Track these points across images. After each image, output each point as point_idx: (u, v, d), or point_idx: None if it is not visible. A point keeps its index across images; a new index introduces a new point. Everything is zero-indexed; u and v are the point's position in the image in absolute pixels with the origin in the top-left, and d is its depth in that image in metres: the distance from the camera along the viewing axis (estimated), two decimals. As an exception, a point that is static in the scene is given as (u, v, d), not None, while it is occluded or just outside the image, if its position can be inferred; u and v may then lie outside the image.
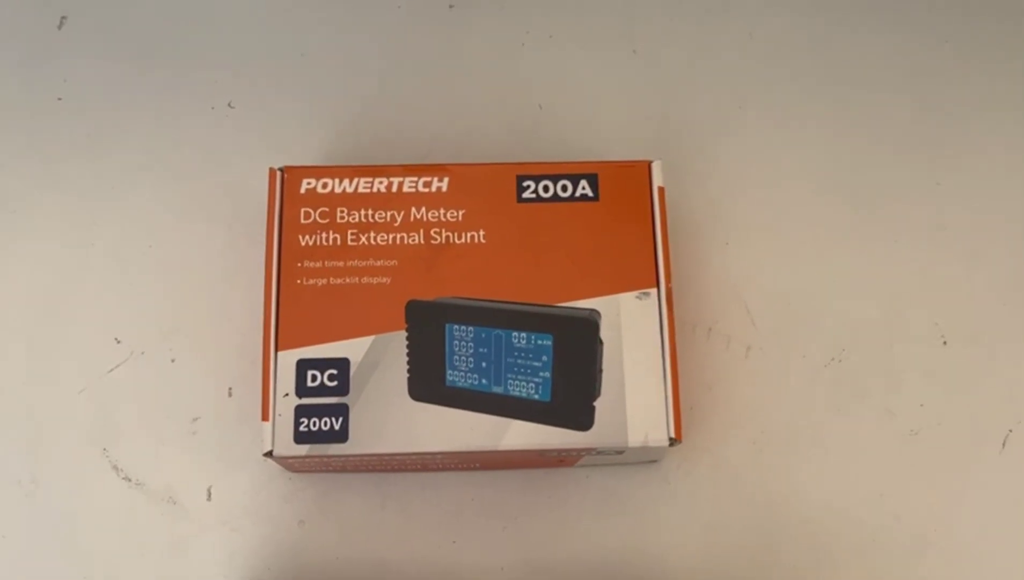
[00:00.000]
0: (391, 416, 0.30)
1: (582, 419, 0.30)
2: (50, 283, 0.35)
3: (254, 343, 0.32)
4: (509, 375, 0.30)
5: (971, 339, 0.35)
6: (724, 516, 0.32)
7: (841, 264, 0.35)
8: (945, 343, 0.35)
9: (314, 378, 0.30)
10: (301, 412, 0.30)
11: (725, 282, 0.35)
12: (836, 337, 0.35)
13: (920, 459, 0.33)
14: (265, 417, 0.30)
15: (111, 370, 0.34)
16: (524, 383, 0.30)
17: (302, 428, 0.30)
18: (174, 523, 0.32)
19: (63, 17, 0.38)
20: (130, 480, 0.33)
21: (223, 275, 0.35)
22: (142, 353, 0.34)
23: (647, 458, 0.33)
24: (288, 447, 0.30)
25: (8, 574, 0.32)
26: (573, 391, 0.30)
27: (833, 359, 0.34)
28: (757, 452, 0.33)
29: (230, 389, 0.34)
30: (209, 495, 0.33)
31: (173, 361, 0.34)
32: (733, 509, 0.33)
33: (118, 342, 0.34)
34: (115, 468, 0.33)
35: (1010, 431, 0.34)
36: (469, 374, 0.31)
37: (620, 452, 0.31)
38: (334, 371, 0.30)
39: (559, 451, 0.30)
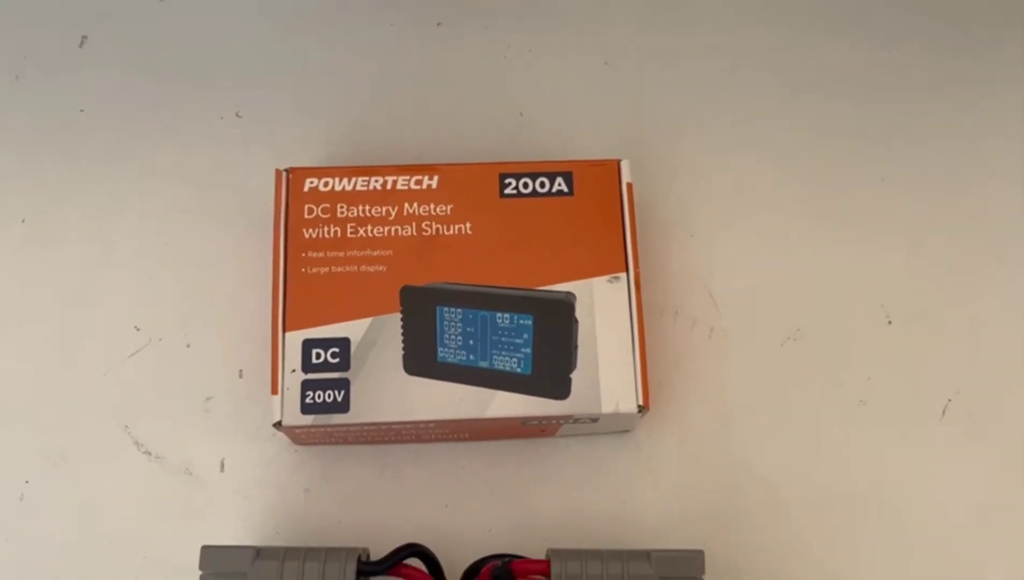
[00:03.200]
0: (388, 389, 0.33)
1: (560, 389, 0.33)
2: (76, 278, 0.38)
3: (261, 329, 0.36)
4: (494, 351, 0.34)
5: (913, 319, 0.38)
6: (691, 480, 0.36)
7: (796, 253, 0.39)
8: (890, 323, 0.38)
9: (318, 355, 0.34)
10: (307, 386, 0.33)
11: (690, 270, 0.39)
12: (791, 318, 0.38)
13: (868, 427, 0.37)
14: (274, 391, 0.33)
15: (131, 355, 0.37)
16: (508, 358, 0.34)
17: (308, 400, 0.33)
18: (191, 492, 0.36)
19: (84, 37, 0.42)
20: (150, 454, 0.36)
21: (233, 268, 0.38)
22: (160, 339, 0.37)
23: (620, 427, 0.36)
24: (295, 417, 0.33)
25: (38, 539, 0.35)
26: (552, 364, 0.33)
27: (789, 338, 0.38)
28: (720, 423, 0.37)
29: (240, 371, 0.37)
30: (222, 467, 0.36)
31: (188, 346, 0.37)
32: (699, 473, 0.36)
33: (137, 330, 0.37)
34: (136, 443, 0.36)
35: (949, 401, 0.37)
36: (458, 351, 0.34)
37: (595, 420, 0.34)
38: (336, 349, 0.34)
39: (540, 419, 0.34)
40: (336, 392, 0.33)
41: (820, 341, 0.38)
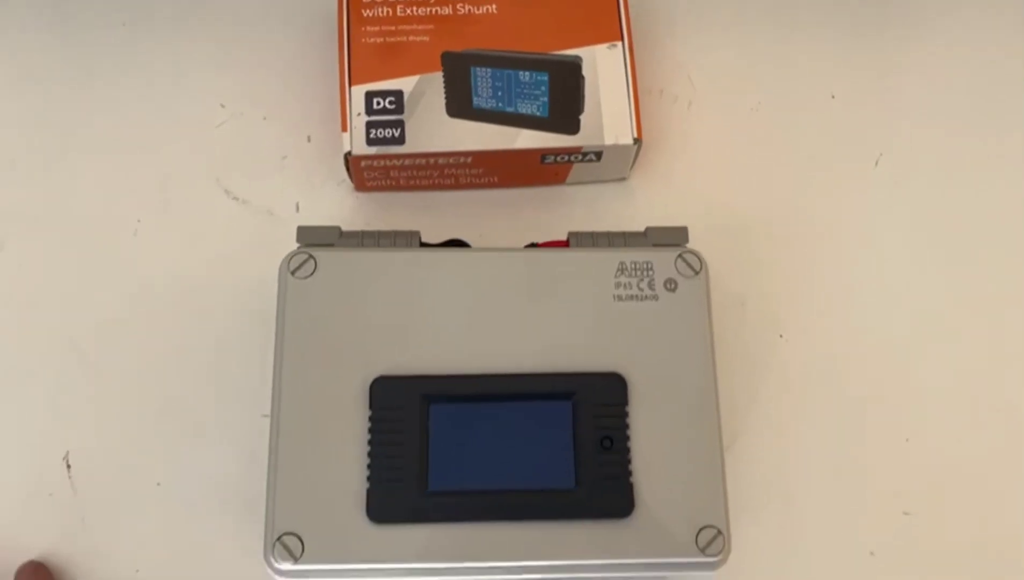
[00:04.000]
0: (435, 127, 0.42)
1: (571, 126, 0.42)
2: (171, 60, 0.46)
3: (323, 104, 0.45)
4: (518, 99, 0.42)
5: (854, 98, 0.47)
6: (676, 217, 0.43)
7: (758, 41, 0.48)
8: (833, 97, 0.47)
9: (378, 103, 0.42)
10: (370, 125, 0.42)
11: (674, 56, 0.47)
12: (754, 94, 0.47)
13: (816, 171, 0.46)
14: (344, 129, 0.42)
15: (219, 125, 0.46)
16: (529, 104, 0.42)
17: (371, 136, 0.42)
18: (272, 228, 0.44)
19: None
20: (237, 199, 0.44)
21: (300, 56, 0.46)
22: (241, 114, 0.46)
23: (618, 174, 0.45)
24: (362, 148, 0.41)
25: (148, 268, 0.43)
26: (564, 108, 0.42)
27: (751, 109, 0.47)
28: (699, 168, 0.46)
29: (309, 137, 0.45)
30: (297, 208, 0.44)
31: (264, 118, 0.46)
32: (684, 211, 0.45)
33: (223, 106, 0.46)
34: (226, 192, 0.45)
35: (881, 154, 0.46)
36: (489, 99, 0.42)
37: (598, 156, 0.43)
38: (392, 99, 0.42)
39: (555, 152, 0.42)
40: (394, 130, 0.42)
41: (777, 113, 0.47)
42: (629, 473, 0.34)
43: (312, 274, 0.35)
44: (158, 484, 0.40)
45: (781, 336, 0.44)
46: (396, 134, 0.42)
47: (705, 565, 0.33)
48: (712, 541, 0.33)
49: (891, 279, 0.45)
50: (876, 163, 0.46)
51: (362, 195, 0.45)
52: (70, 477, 0.41)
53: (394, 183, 0.44)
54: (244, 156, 0.45)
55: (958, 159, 0.46)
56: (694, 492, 0.33)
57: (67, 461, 0.41)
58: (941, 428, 0.42)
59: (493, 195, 0.45)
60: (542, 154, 0.43)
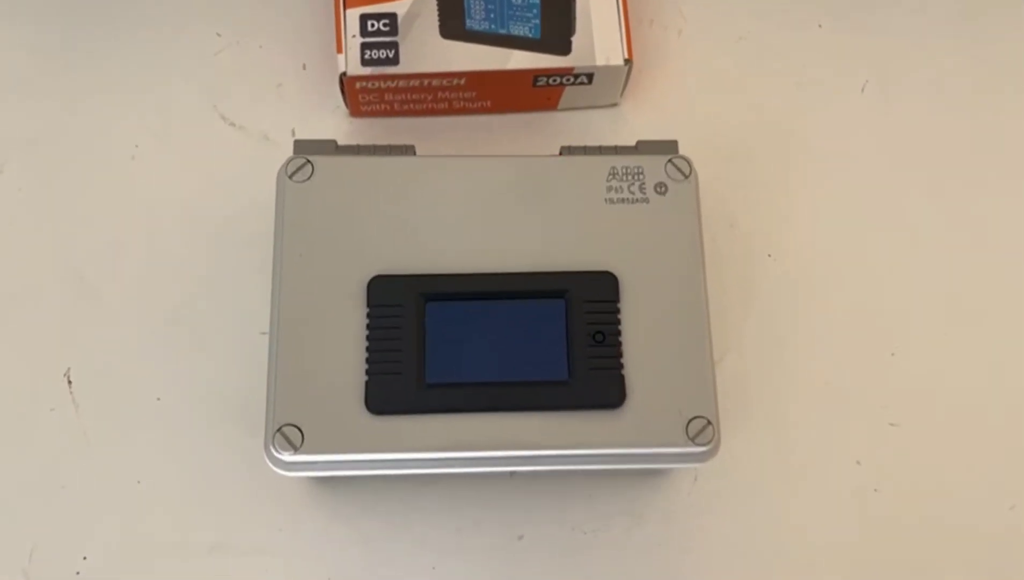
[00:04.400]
0: (428, 49, 0.43)
1: (563, 47, 0.43)
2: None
3: (318, 34, 0.45)
4: (511, 21, 0.43)
5: (845, 23, 0.48)
6: (670, 126, 0.44)
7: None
8: (820, 27, 0.48)
9: (372, 25, 0.43)
10: (365, 46, 0.42)
11: (661, -12, 0.49)
12: (742, 23, 0.48)
13: (804, 96, 0.47)
14: (339, 50, 0.42)
15: (216, 54, 0.46)
16: (522, 26, 0.43)
17: (366, 56, 0.42)
18: (268, 152, 0.44)
19: None
20: (234, 125, 0.45)
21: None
22: (237, 43, 0.46)
23: (609, 100, 0.45)
24: (356, 69, 0.42)
25: (146, 193, 0.44)
26: (556, 29, 0.43)
27: (740, 38, 0.48)
28: (689, 94, 0.46)
29: (304, 64, 0.46)
30: (293, 133, 0.45)
31: (261, 47, 0.46)
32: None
33: (219, 35, 0.46)
34: (223, 117, 0.45)
35: (867, 81, 0.47)
36: (482, 21, 0.43)
37: (590, 79, 0.43)
38: (387, 20, 0.43)
39: (547, 72, 0.43)
40: (388, 51, 0.43)
41: (765, 41, 0.48)
42: (620, 365, 0.34)
43: (309, 178, 0.36)
44: (158, 399, 0.41)
45: (769, 255, 0.44)
46: (390, 55, 0.43)
47: (696, 456, 0.34)
48: (702, 431, 0.34)
49: (877, 200, 0.45)
50: (862, 89, 0.47)
51: (357, 120, 0.46)
52: (71, 393, 0.42)
53: (388, 107, 0.45)
54: (241, 83, 0.46)
55: (943, 84, 0.47)
56: (684, 384, 0.34)
57: (68, 377, 0.42)
58: (926, 343, 0.43)
59: (486, 120, 0.46)
60: (534, 76, 0.44)
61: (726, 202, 0.45)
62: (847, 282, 0.44)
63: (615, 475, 0.40)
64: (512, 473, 0.37)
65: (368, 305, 0.35)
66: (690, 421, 0.34)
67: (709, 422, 0.34)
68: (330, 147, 0.38)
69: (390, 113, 0.45)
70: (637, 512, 0.41)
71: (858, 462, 0.42)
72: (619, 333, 0.35)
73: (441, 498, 0.40)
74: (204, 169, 0.45)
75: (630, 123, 0.47)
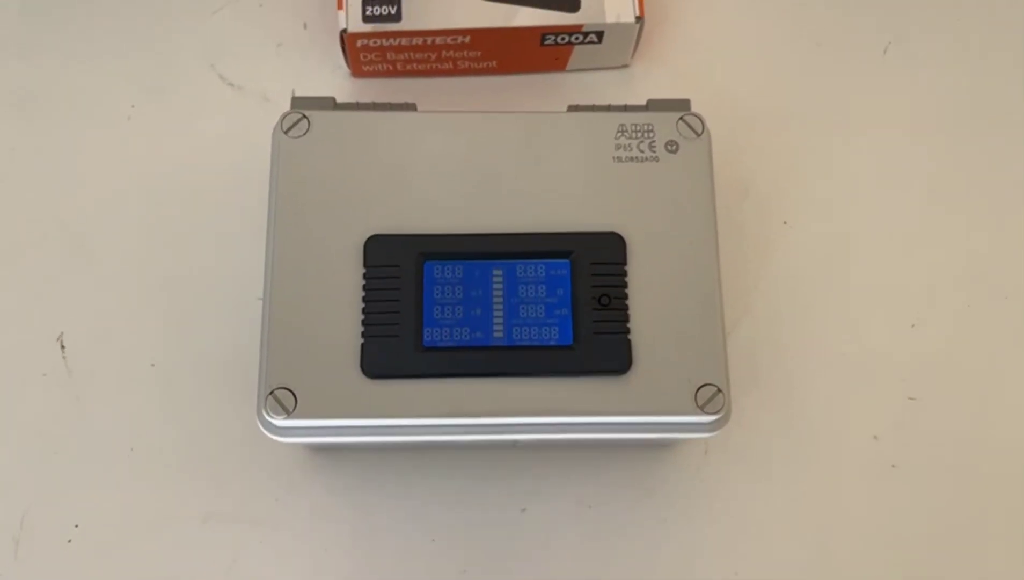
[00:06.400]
0: (432, 5, 0.41)
1: (572, 3, 0.41)
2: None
3: None
4: (517, -23, 0.42)
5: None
6: (683, 88, 0.43)
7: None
8: None
9: (375, -19, 0.41)
10: (366, 2, 0.41)
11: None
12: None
13: (822, 62, 0.45)
14: (340, 7, 0.41)
15: (214, 13, 0.45)
16: (528, -18, 0.42)
17: (367, 13, 0.41)
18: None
19: None
20: (233, 85, 0.44)
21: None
22: (237, 1, 0.45)
23: (619, 61, 0.44)
24: (358, 25, 0.41)
25: (144, 156, 0.43)
26: (564, -15, 0.41)
27: (756, -3, 0.46)
28: (702, 56, 0.45)
29: (305, 24, 0.45)
30: (293, 93, 0.43)
31: (260, 6, 0.45)
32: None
33: (217, -6, 0.45)
34: (221, 77, 0.44)
35: (889, 42, 0.45)
36: (488, -23, 0.42)
37: (599, 37, 0.42)
38: (389, -24, 0.42)
39: (555, 29, 0.41)
40: (390, 7, 0.41)
41: (780, 1, 0.46)
42: (627, 330, 0.33)
43: (306, 133, 0.34)
44: (152, 365, 0.40)
45: (785, 223, 0.43)
46: (392, 11, 0.41)
47: (705, 426, 0.33)
48: (711, 399, 0.32)
49: (898, 167, 0.44)
50: (884, 51, 0.45)
51: (359, 81, 0.44)
52: (64, 358, 0.40)
53: (391, 67, 0.44)
54: (240, 43, 0.44)
55: (970, 45, 0.45)
56: (693, 351, 0.33)
57: (61, 342, 0.41)
58: (948, 314, 0.42)
59: (492, 81, 0.44)
60: (542, 34, 0.42)
61: (740, 167, 0.43)
62: (866, 250, 0.43)
63: (622, 447, 0.39)
64: (515, 442, 0.36)
65: (364, 265, 0.33)
66: (699, 389, 0.32)
67: (719, 390, 0.32)
68: (328, 104, 0.36)
69: (393, 73, 0.44)
70: (645, 486, 0.39)
71: (875, 437, 0.40)
72: (626, 296, 0.33)
73: (440, 468, 0.39)
74: (201, 130, 0.43)
75: (641, 85, 0.45)
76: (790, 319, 0.42)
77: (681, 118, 0.35)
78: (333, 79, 0.44)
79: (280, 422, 0.32)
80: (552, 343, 0.33)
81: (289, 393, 0.32)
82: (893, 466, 0.40)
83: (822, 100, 0.45)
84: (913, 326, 0.42)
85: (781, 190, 0.43)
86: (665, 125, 0.35)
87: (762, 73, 0.45)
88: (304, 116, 0.35)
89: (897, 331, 0.42)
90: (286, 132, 0.34)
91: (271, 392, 0.32)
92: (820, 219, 0.43)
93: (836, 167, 0.44)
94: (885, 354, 0.41)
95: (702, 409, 0.32)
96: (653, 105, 0.37)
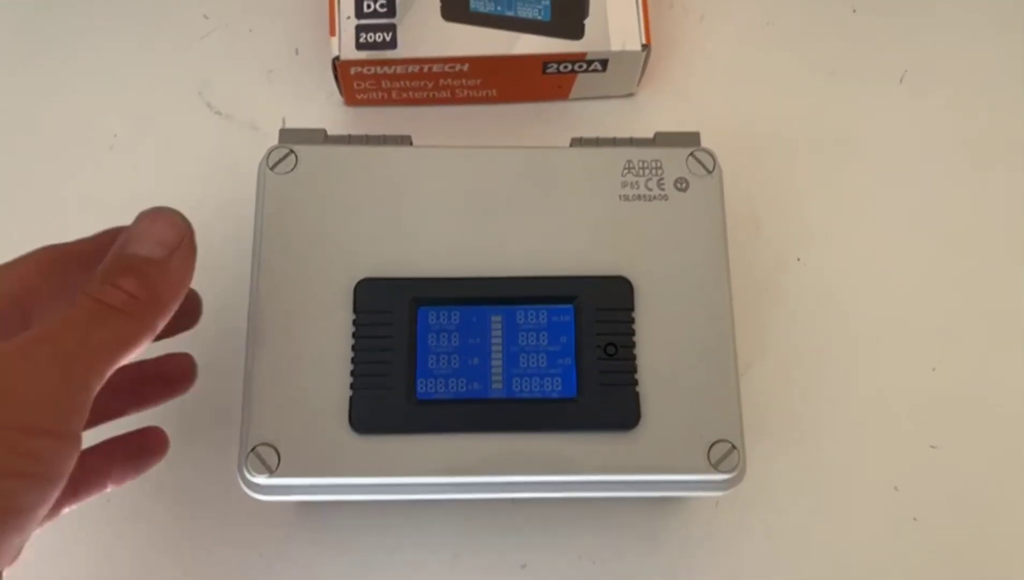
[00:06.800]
0: (429, 31, 0.39)
1: (575, 31, 0.39)
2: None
3: (311, 16, 0.42)
4: (519, 2, 0.40)
5: (874, 10, 0.45)
6: (691, 118, 0.41)
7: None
8: (855, 12, 0.44)
9: (368, 6, 0.39)
10: (360, 28, 0.39)
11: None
12: (766, 10, 0.44)
13: (838, 90, 0.43)
14: (332, 33, 0.39)
15: (202, 38, 0.43)
16: (531, 8, 0.40)
17: (361, 40, 0.39)
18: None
19: None
20: (220, 114, 0.42)
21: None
22: (226, 26, 0.43)
23: (624, 90, 0.42)
24: (351, 52, 0.39)
25: (125, 180, 0.41)
26: (568, 11, 0.39)
27: (767, 23, 0.44)
28: (711, 84, 0.43)
29: (296, 49, 0.43)
30: (283, 123, 0.42)
31: (251, 31, 0.43)
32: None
33: (206, 18, 0.43)
34: (208, 105, 0.42)
35: (906, 71, 0.44)
36: (488, 2, 0.40)
37: (604, 65, 0.40)
38: (384, 1, 0.39)
39: (558, 58, 0.39)
40: (385, 34, 0.39)
41: (795, 27, 0.44)
42: (635, 382, 0.31)
43: (293, 169, 0.32)
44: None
45: (799, 259, 0.41)
46: (387, 38, 0.39)
47: (718, 484, 0.31)
48: (726, 456, 0.30)
49: (917, 201, 0.42)
50: (901, 80, 0.43)
51: (352, 109, 0.42)
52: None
53: (386, 95, 0.42)
54: (228, 70, 0.43)
55: (990, 75, 0.43)
56: (706, 404, 0.31)
57: (36, 385, 0.39)
58: (970, 357, 0.40)
59: (492, 110, 0.42)
60: (544, 62, 0.40)
61: (751, 201, 0.41)
62: (884, 290, 0.40)
63: (628, 500, 0.37)
64: (514, 499, 0.34)
65: (354, 310, 0.31)
66: (712, 445, 0.30)
67: (733, 447, 0.30)
68: (319, 136, 0.34)
69: (388, 102, 0.42)
70: (652, 540, 0.37)
71: (896, 488, 0.38)
72: (634, 345, 0.31)
73: (437, 521, 0.37)
74: (187, 161, 0.41)
75: (648, 114, 0.43)
76: (804, 362, 0.39)
77: (691, 154, 0.33)
78: (326, 107, 0.42)
79: (262, 481, 0.30)
80: (555, 395, 0.31)
81: (272, 450, 0.30)
82: (915, 519, 0.38)
83: (836, 130, 0.43)
84: (934, 370, 0.39)
85: (794, 225, 0.41)
86: (675, 161, 0.33)
87: (773, 102, 0.43)
88: (292, 151, 0.33)
89: (917, 375, 0.39)
90: (272, 168, 0.32)
91: (253, 448, 0.30)
92: (836, 256, 0.41)
93: (852, 200, 0.42)
94: (905, 399, 0.39)
95: (715, 467, 0.30)
96: (661, 139, 0.35)
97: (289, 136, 0.34)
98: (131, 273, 0.28)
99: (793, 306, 0.40)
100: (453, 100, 0.42)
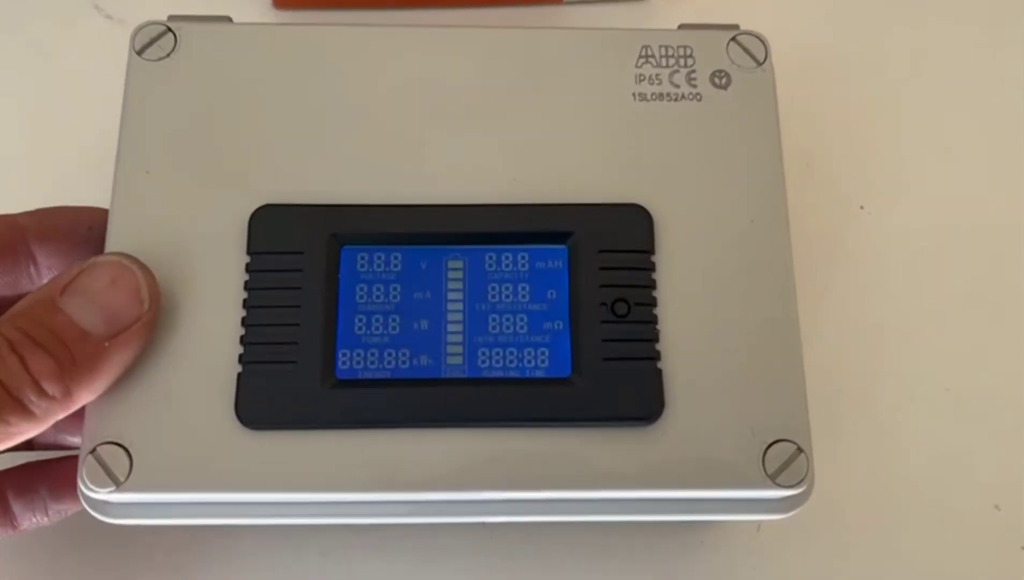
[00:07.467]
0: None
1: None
2: None
3: None
4: None
5: None
6: None
7: None
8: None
9: None
10: None
11: None
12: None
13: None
14: (251, -98, 0.30)
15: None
16: None
17: (289, -90, 0.30)
18: None
19: None
20: (112, 18, 0.34)
21: None
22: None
23: (635, -10, 0.33)
24: (275, -72, 0.30)
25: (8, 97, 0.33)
26: None
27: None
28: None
29: (215, -62, 0.35)
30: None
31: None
32: None
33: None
34: (97, 8, 0.34)
35: None
36: None
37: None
38: None
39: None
40: (321, -97, 0.30)
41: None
42: (655, 354, 0.22)
43: (170, 55, 0.24)
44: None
45: (862, 207, 0.33)
46: (324, -90, 0.31)
47: (775, 504, 0.22)
48: (788, 463, 0.21)
49: (1008, 141, 0.34)
50: (990, -12, 0.36)
51: (283, 14, 0.34)
52: None
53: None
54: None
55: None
56: (756, 388, 0.22)
57: None
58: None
59: (461, 16, 0.34)
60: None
61: (802, 136, 0.33)
62: (971, 248, 0.33)
63: (642, 525, 0.28)
64: (483, 523, 0.25)
65: (248, 251, 0.22)
66: (768, 447, 0.21)
67: (800, 449, 0.21)
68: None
69: (327, 3, 0.33)
70: (672, 573, 0.29)
71: (997, 507, 0.30)
72: (654, 302, 0.22)
73: (378, 544, 0.28)
74: (69, 69, 0.34)
75: (664, 25, 0.34)
76: (872, 340, 0.32)
77: (734, 39, 0.24)
78: (249, 9, 0.34)
79: (105, 495, 0.21)
80: (539, 375, 0.22)
81: (121, 451, 0.21)
82: (1023, 547, 0.29)
83: (912, 47, 0.36)
84: (1038, 345, 0.31)
85: (856, 166, 0.34)
86: (711, 48, 0.24)
87: (826, 15, 0.36)
88: (169, 29, 0.24)
89: (1017, 358, 0.31)
90: (140, 52, 0.24)
91: (92, 450, 0.21)
92: (907, 205, 0.33)
93: (928, 137, 0.34)
94: (1004, 389, 0.31)
95: (773, 479, 0.21)
96: (687, 30, 0.26)
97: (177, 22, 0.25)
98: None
99: (854, 265, 0.33)
100: (412, 2, 0.33)
